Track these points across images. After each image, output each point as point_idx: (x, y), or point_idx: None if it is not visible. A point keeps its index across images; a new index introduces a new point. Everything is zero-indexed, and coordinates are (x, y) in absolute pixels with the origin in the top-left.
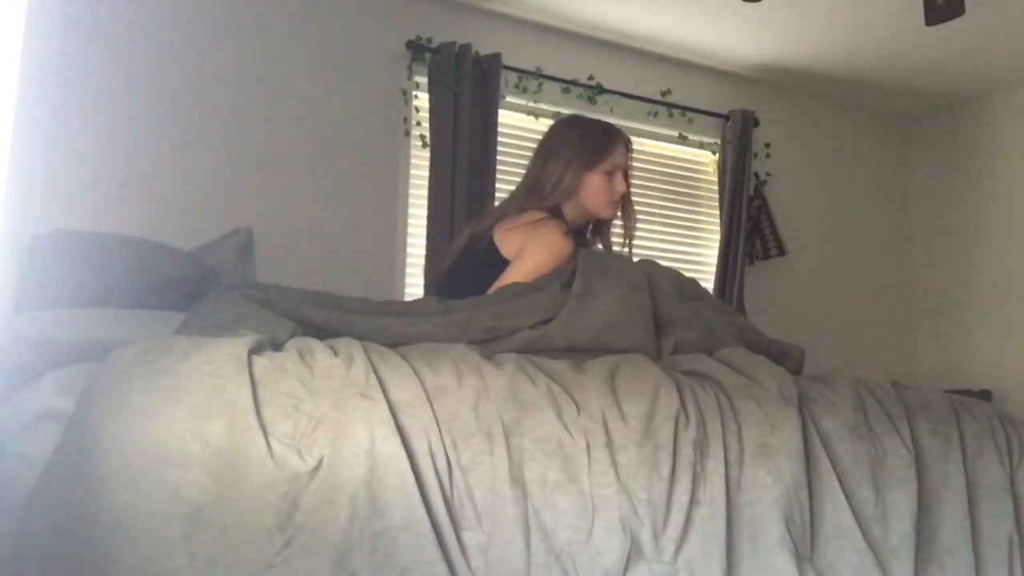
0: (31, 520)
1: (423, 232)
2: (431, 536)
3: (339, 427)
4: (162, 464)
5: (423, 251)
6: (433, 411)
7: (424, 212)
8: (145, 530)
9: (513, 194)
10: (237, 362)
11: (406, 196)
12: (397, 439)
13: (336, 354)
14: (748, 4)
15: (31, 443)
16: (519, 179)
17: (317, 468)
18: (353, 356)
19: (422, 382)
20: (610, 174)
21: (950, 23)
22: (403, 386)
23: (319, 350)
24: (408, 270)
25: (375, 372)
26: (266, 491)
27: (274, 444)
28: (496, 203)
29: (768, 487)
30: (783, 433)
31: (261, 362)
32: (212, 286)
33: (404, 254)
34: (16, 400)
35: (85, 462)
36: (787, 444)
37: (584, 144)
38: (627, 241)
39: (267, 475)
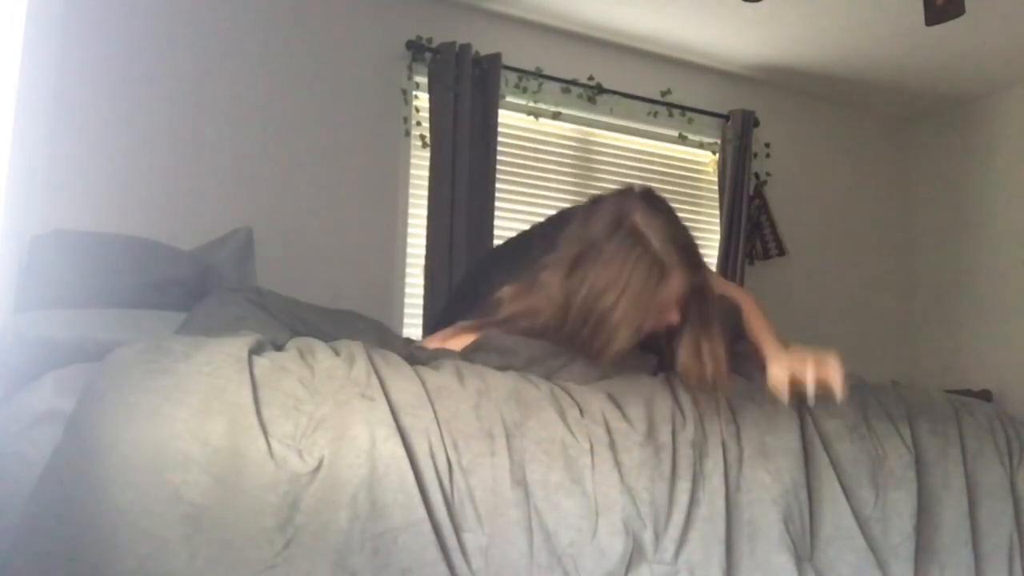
0: (30, 520)
1: (423, 232)
2: (432, 537)
3: (340, 428)
4: (162, 465)
5: (423, 251)
6: (434, 411)
7: (424, 212)
8: (145, 531)
9: (525, 308)
10: (237, 362)
11: (406, 196)
12: (398, 440)
13: (337, 354)
14: (748, 4)
15: (31, 443)
16: (519, 180)
17: (317, 469)
18: (355, 356)
19: (423, 382)
20: (663, 311)
21: (950, 23)
22: (404, 387)
23: (320, 350)
24: (408, 270)
25: (376, 373)
26: (267, 492)
27: (274, 445)
28: (495, 206)
29: (767, 487)
30: (782, 433)
31: (262, 362)
32: (212, 286)
33: (404, 254)
34: (16, 400)
35: (85, 462)
36: (786, 444)
37: (633, 281)
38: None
39: (267, 476)
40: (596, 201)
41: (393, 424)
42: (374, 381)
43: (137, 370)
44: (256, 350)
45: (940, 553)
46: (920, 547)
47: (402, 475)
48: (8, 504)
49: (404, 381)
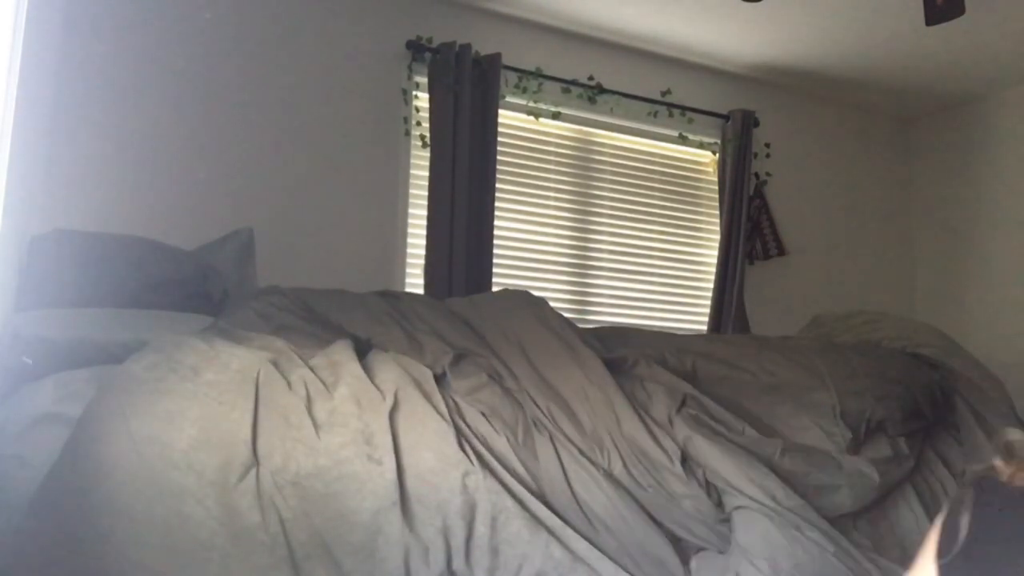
0: (24, 542)
1: (423, 232)
2: None
3: (333, 484)
4: (157, 494)
5: (423, 251)
6: (464, 485)
7: (424, 212)
8: (136, 561)
9: None
10: (244, 383)
11: (406, 196)
12: (397, 513)
13: (369, 379)
14: (748, 4)
15: (29, 445)
16: (519, 180)
17: (308, 522)
18: (383, 396)
19: (460, 442)
20: None
21: (950, 23)
22: (434, 445)
23: (345, 383)
24: (408, 270)
25: (393, 430)
26: (258, 531)
27: (264, 479)
28: (495, 207)
29: None
30: None
31: (273, 380)
32: (213, 286)
33: (404, 254)
34: (15, 402)
35: (81, 487)
36: None
37: None
38: None
39: (256, 515)
40: None
41: (395, 496)
42: (387, 442)
43: (143, 389)
44: (272, 361)
45: None
46: None
47: (395, 558)
48: (6, 505)
49: (437, 438)
